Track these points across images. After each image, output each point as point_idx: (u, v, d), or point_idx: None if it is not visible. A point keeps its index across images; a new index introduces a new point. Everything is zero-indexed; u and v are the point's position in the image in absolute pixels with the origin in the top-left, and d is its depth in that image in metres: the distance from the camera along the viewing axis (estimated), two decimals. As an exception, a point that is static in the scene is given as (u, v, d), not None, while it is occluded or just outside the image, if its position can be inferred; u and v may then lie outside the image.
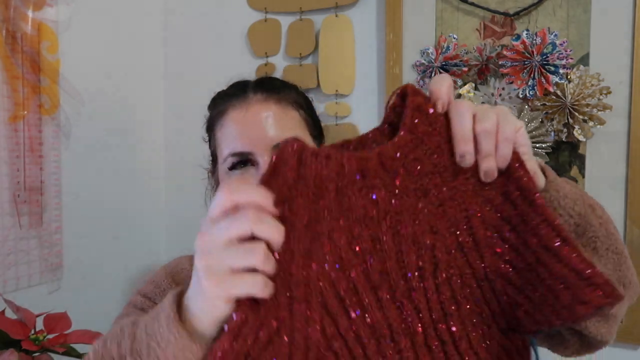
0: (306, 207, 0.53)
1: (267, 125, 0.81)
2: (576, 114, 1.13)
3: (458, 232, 0.57)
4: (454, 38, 1.25)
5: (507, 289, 0.56)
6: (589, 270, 0.51)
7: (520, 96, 1.17)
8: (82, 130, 1.36)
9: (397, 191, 0.56)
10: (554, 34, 1.14)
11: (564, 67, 1.13)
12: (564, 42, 1.14)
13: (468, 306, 0.56)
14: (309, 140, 0.83)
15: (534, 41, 1.15)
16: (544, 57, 1.14)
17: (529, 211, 0.54)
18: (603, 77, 1.11)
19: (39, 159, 1.27)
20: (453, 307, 0.56)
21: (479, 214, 0.56)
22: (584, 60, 1.14)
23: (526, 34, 1.16)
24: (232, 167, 0.81)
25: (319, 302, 0.53)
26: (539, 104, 1.16)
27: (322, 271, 0.54)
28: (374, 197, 0.55)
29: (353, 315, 0.54)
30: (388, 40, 1.29)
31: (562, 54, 1.13)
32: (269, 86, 0.84)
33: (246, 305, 0.49)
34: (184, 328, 0.51)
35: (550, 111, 1.15)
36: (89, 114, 1.37)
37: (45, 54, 1.25)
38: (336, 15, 1.37)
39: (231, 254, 0.48)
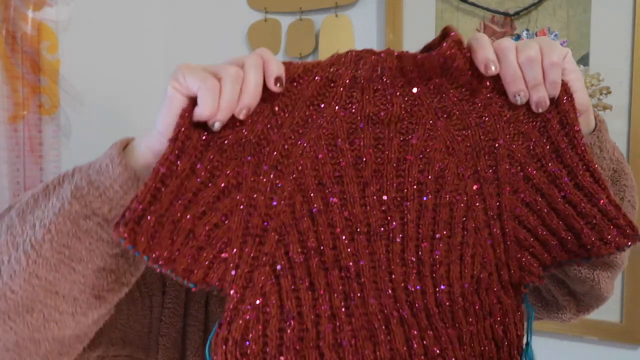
0: (315, 89, 0.53)
1: None
2: (576, 114, 1.13)
3: (479, 160, 0.55)
4: None
5: (518, 232, 0.54)
6: (617, 212, 0.51)
7: (520, 96, 1.17)
8: (82, 130, 1.36)
9: (415, 102, 0.54)
10: (554, 34, 1.14)
11: (564, 67, 1.13)
12: (564, 42, 1.14)
13: (463, 239, 0.54)
14: None
15: (534, 41, 1.15)
16: (544, 57, 1.14)
17: (566, 147, 0.52)
18: (603, 77, 1.11)
19: (39, 159, 1.27)
20: (445, 232, 0.53)
21: (507, 147, 0.54)
22: (584, 60, 1.14)
23: (526, 34, 1.16)
24: None
25: (294, 177, 0.52)
26: (539, 104, 1.16)
27: (310, 149, 0.52)
28: (387, 98, 0.54)
29: (332, 200, 0.52)
30: (388, 40, 1.29)
31: (562, 54, 1.13)
32: None
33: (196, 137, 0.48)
34: (131, 165, 0.50)
35: (550, 111, 1.15)
36: (89, 114, 1.37)
37: (45, 54, 1.25)
38: (336, 15, 1.37)
39: (217, 68, 0.49)
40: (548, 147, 0.53)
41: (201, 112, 0.48)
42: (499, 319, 0.54)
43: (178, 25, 1.62)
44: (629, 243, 0.51)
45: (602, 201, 0.51)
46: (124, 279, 0.53)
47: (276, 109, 0.52)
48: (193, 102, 0.49)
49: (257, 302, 0.49)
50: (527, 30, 1.16)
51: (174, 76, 0.49)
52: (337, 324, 0.51)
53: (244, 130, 0.51)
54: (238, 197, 0.50)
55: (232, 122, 0.50)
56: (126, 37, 1.49)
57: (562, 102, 0.53)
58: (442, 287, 0.53)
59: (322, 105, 0.53)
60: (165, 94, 0.50)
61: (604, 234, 0.51)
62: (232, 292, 0.49)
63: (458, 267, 0.53)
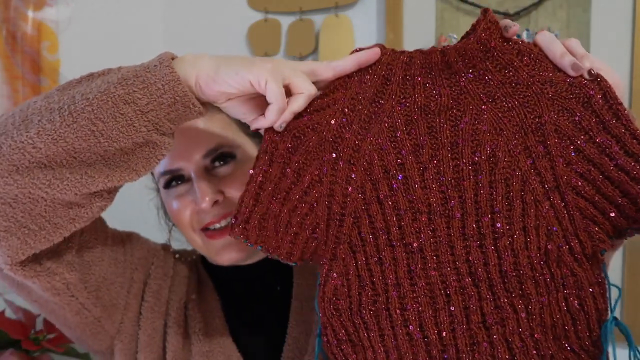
0: (375, 87, 0.62)
1: (190, 135, 0.76)
2: (576, 114, 1.13)
3: (527, 137, 0.58)
4: (454, 38, 1.25)
5: (578, 203, 0.57)
6: None
7: (520, 96, 1.17)
8: (82, 130, 1.36)
9: (460, 91, 0.60)
10: (554, 34, 1.14)
11: (564, 67, 1.13)
12: (564, 42, 1.14)
13: (523, 211, 0.57)
14: (243, 140, 0.80)
15: (534, 41, 1.15)
16: (544, 57, 1.14)
17: (612, 119, 0.56)
18: (603, 77, 1.11)
19: (39, 159, 1.27)
20: (504, 206, 0.58)
21: (553, 122, 0.58)
22: (584, 60, 1.14)
23: (526, 33, 1.16)
24: (167, 186, 0.78)
25: (364, 167, 0.61)
26: (539, 104, 1.16)
27: (375, 142, 0.61)
28: (436, 91, 0.61)
29: (395, 185, 0.60)
30: (388, 40, 1.29)
31: (562, 54, 1.13)
32: None
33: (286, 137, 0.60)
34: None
35: (550, 111, 1.15)
36: (89, 114, 1.37)
37: (45, 54, 1.25)
38: (336, 15, 1.37)
39: (293, 77, 0.59)
40: (594, 120, 0.57)
41: (263, 124, 0.60)
42: (574, 291, 0.56)
43: (178, 25, 1.62)
44: None
45: None
46: (134, 165, 0.61)
47: (346, 110, 0.61)
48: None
49: (341, 271, 0.60)
50: (527, 30, 1.16)
51: (258, 73, 0.57)
52: (402, 291, 0.59)
53: (324, 132, 0.61)
54: (321, 190, 0.61)
55: (316, 125, 0.61)
56: (126, 37, 1.49)
57: (602, 79, 0.57)
58: (506, 257, 0.57)
59: (382, 102, 0.61)
60: (242, 70, 0.57)
61: None
62: (322, 262, 0.61)
63: (522, 238, 0.57)
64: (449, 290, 0.58)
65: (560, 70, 0.59)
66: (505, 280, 0.57)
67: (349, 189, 0.60)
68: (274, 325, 0.81)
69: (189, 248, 0.92)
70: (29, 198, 0.59)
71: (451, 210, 0.58)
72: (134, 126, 0.57)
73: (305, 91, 0.59)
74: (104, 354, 0.80)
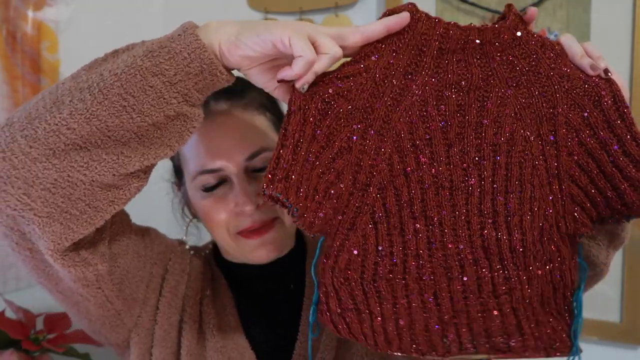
0: (409, 58, 0.62)
1: (234, 137, 0.76)
2: (576, 114, 1.13)
3: (541, 126, 0.62)
4: (555, 35, 1.25)
5: (572, 190, 0.61)
6: None
7: (520, 96, 1.17)
8: (82, 130, 1.36)
9: (490, 73, 0.63)
10: (554, 34, 1.14)
11: (564, 67, 1.13)
12: (564, 42, 1.14)
13: (532, 194, 0.61)
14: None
15: (534, 41, 1.15)
16: (544, 57, 1.14)
17: (617, 120, 0.60)
18: (603, 77, 1.11)
19: (39, 159, 1.27)
20: (517, 187, 0.61)
21: (565, 114, 0.62)
22: (584, 60, 1.14)
23: (526, 34, 1.16)
24: (207, 189, 0.77)
25: (393, 140, 0.61)
26: (539, 104, 1.16)
27: (406, 115, 0.62)
28: (467, 69, 0.62)
29: (422, 159, 0.61)
30: (388, 40, 1.29)
31: (562, 54, 1.13)
32: (231, 92, 0.75)
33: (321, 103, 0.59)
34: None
35: (550, 111, 1.15)
36: (89, 114, 1.37)
37: (45, 53, 1.25)
38: (336, 15, 1.37)
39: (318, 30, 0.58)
40: (601, 117, 0.61)
41: (288, 75, 0.57)
42: (557, 265, 0.62)
43: (178, 25, 1.62)
44: None
45: None
46: (168, 140, 0.61)
47: (377, 79, 0.61)
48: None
49: (358, 242, 0.61)
50: (527, 30, 1.16)
51: (281, 33, 0.56)
52: (420, 262, 0.61)
53: (355, 100, 0.61)
54: (349, 158, 0.61)
55: (346, 92, 0.61)
56: (126, 37, 1.49)
57: (614, 83, 0.61)
58: (516, 234, 0.60)
59: (415, 74, 0.62)
60: (263, 32, 0.56)
61: None
62: (337, 232, 0.61)
63: (530, 218, 0.61)
64: (464, 262, 0.61)
65: (577, 69, 0.63)
66: (514, 255, 0.60)
67: (377, 160, 0.61)
68: (286, 323, 0.82)
69: (199, 244, 0.93)
70: (68, 182, 0.58)
71: (471, 187, 0.61)
72: (164, 98, 0.57)
73: (331, 52, 0.57)
74: (120, 346, 0.81)
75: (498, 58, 0.63)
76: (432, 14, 1.31)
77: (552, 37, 1.14)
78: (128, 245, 0.74)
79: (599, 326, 1.13)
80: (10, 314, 1.07)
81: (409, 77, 0.62)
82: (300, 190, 0.58)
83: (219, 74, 0.58)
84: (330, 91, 0.60)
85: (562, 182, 0.62)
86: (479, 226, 0.61)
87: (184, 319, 0.81)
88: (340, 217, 0.61)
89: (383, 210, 0.61)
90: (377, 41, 0.62)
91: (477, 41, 0.62)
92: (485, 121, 0.61)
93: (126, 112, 0.56)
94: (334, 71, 0.61)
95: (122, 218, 0.74)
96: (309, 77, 0.57)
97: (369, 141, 0.61)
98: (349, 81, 0.61)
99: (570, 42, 0.63)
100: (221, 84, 0.60)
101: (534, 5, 1.18)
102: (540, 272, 0.61)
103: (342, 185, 0.61)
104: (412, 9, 0.62)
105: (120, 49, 0.63)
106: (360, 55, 0.62)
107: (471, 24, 0.64)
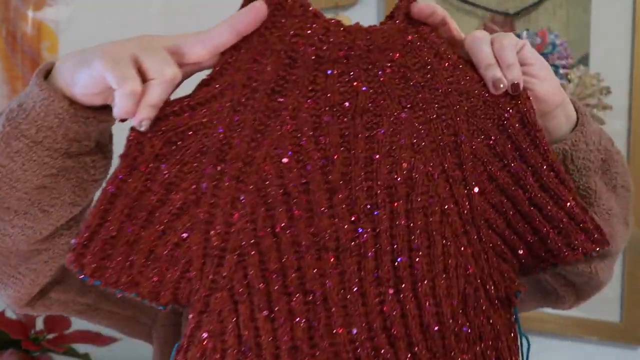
0: (276, 70, 0.47)
1: None
2: (576, 114, 1.13)
3: (445, 158, 0.49)
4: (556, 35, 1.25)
5: (492, 238, 0.49)
6: (584, 215, 0.48)
7: (520, 96, 1.17)
8: (82, 130, 1.36)
9: (380, 90, 0.49)
10: (554, 34, 1.14)
11: (564, 67, 1.13)
12: (564, 42, 1.14)
13: (445, 248, 0.47)
14: None
15: (534, 41, 1.15)
16: (544, 57, 1.14)
17: (529, 147, 0.49)
18: (603, 77, 1.11)
19: (39, 159, 1.27)
20: (423, 242, 0.47)
21: (469, 143, 0.49)
22: (584, 60, 1.14)
23: (526, 34, 1.16)
24: None
25: (257, 187, 0.46)
26: (539, 104, 1.16)
27: (273, 152, 0.46)
28: (351, 86, 0.48)
29: (297, 213, 0.46)
30: (388, 40, 1.29)
31: (562, 54, 1.13)
32: None
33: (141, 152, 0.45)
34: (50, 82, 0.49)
35: (550, 111, 1.15)
36: (89, 114, 1.37)
37: (45, 54, 1.25)
38: (336, 15, 1.37)
39: (143, 51, 0.46)
40: (509, 145, 0.49)
41: (116, 113, 0.46)
42: (490, 342, 0.48)
43: (178, 25, 1.62)
44: (597, 248, 0.48)
45: (568, 204, 0.48)
46: (66, 197, 0.53)
47: (236, 103, 0.47)
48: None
49: (214, 330, 0.44)
50: (527, 30, 1.16)
51: (97, 63, 0.46)
52: (299, 357, 0.45)
53: (207, 135, 0.46)
54: (197, 214, 0.45)
55: (198, 125, 0.46)
56: (126, 37, 1.49)
57: (522, 100, 0.49)
58: (428, 306, 0.46)
59: (285, 93, 0.47)
60: (85, 68, 0.48)
61: (570, 239, 0.48)
62: (190, 316, 0.45)
63: (445, 282, 0.47)
64: (360, 354, 0.45)
65: (481, 80, 0.50)
66: (427, 337, 0.46)
67: (235, 216, 0.45)
68: None
69: None
70: None
71: (363, 246, 0.46)
72: (34, 160, 0.49)
73: (157, 76, 0.45)
74: (147, 339, 0.79)
75: (389, 70, 0.49)
76: (432, 14, 1.27)
77: (552, 37, 1.14)
78: None
79: (599, 326, 1.12)
80: (10, 314, 1.07)
81: (277, 97, 0.47)
82: (115, 258, 0.44)
83: (82, 119, 0.49)
84: (178, 125, 0.46)
85: (480, 229, 0.48)
86: (377, 300, 0.46)
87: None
88: (194, 295, 0.45)
89: (245, 284, 0.45)
90: (234, 47, 0.47)
91: (364, 47, 0.48)
92: (377, 156, 0.47)
93: (5, 183, 0.50)
94: (186, 97, 0.47)
95: None
96: (145, 113, 0.45)
97: (224, 190, 0.46)
98: (202, 110, 0.47)
99: (474, 46, 0.51)
100: (98, 126, 0.50)
101: (534, 5, 1.18)
102: (467, 356, 0.47)
103: (190, 249, 0.45)
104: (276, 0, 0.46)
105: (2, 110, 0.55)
106: (216, 69, 0.48)
107: (395, 20, 0.51)
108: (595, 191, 0.56)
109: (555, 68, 1.14)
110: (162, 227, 0.45)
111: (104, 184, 0.47)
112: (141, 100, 0.45)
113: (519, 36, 1.16)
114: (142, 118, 0.45)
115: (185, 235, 0.45)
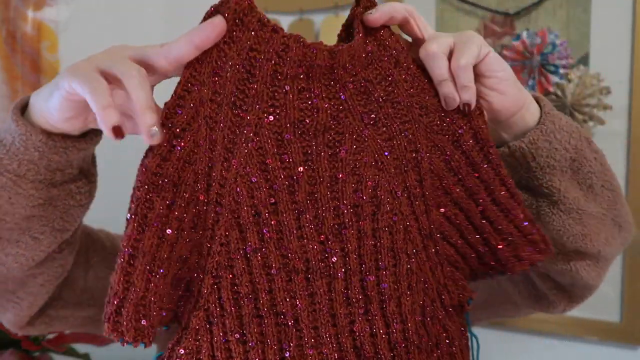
0: (236, 84, 0.46)
1: None
2: (576, 113, 1.13)
3: (407, 175, 0.50)
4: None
5: (446, 250, 0.51)
6: (532, 227, 0.51)
7: (520, 96, 1.17)
8: (82, 130, 1.36)
9: (341, 106, 0.48)
10: (554, 34, 1.14)
11: (564, 67, 1.13)
12: (564, 42, 1.14)
13: (409, 266, 0.48)
14: None
15: (534, 41, 1.15)
16: (544, 57, 1.14)
17: (482, 162, 0.50)
18: (603, 77, 1.11)
19: (39, 159, 1.27)
20: (389, 261, 0.48)
21: (428, 159, 0.51)
22: (584, 60, 1.14)
23: (526, 34, 1.16)
24: None
25: (231, 210, 0.46)
26: (539, 104, 1.16)
27: (243, 171, 0.46)
28: (312, 102, 0.47)
29: (267, 235, 0.46)
30: (388, 40, 1.29)
31: (562, 54, 1.13)
32: None
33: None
34: (27, 118, 0.49)
35: (550, 111, 1.15)
36: (89, 114, 1.37)
37: (45, 53, 1.25)
38: (336, 15, 1.37)
39: (105, 61, 0.45)
40: (464, 161, 0.51)
41: (103, 127, 0.44)
42: (445, 349, 0.50)
43: (178, 25, 1.62)
44: (542, 258, 0.51)
45: (518, 217, 0.50)
46: (55, 224, 0.54)
47: (209, 120, 0.46)
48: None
49: (191, 347, 0.46)
50: (527, 30, 1.16)
51: (65, 79, 0.45)
52: None
53: (196, 164, 0.46)
54: (194, 237, 0.46)
55: (191, 155, 0.45)
56: (126, 37, 1.49)
57: (474, 117, 0.50)
58: (396, 325, 0.47)
59: (245, 108, 0.46)
60: (55, 92, 0.47)
61: (518, 251, 0.51)
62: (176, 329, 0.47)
63: (409, 299, 0.48)
64: None
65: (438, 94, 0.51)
66: (395, 354, 0.47)
67: (214, 238, 0.46)
68: None
69: None
70: None
71: (333, 267, 0.47)
72: (20, 193, 0.50)
73: (128, 76, 0.44)
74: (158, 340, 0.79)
75: (351, 86, 0.49)
76: (432, 14, 1.29)
77: (552, 37, 1.14)
78: (110, 267, 0.72)
79: (599, 326, 1.12)
80: (10, 314, 1.07)
81: (239, 112, 0.46)
82: (150, 315, 0.44)
83: (61, 150, 0.49)
84: (173, 160, 0.45)
85: (437, 242, 0.51)
86: (347, 320, 0.47)
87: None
88: (180, 311, 0.48)
89: (218, 306, 0.46)
90: (197, 59, 0.46)
91: (327, 65, 0.47)
92: (341, 175, 0.48)
93: None
94: (167, 126, 0.45)
95: (103, 255, 0.67)
96: (148, 118, 0.43)
97: (207, 214, 0.46)
98: (187, 136, 0.45)
99: (427, 62, 0.50)
100: (79, 154, 0.51)
101: (534, 5, 1.18)
102: None
103: (189, 270, 0.47)
104: (240, 7, 0.45)
105: None
106: (182, 86, 0.46)
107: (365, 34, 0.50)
108: (560, 190, 0.56)
109: (555, 68, 1.14)
110: (176, 272, 0.46)
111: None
112: (133, 110, 0.44)
113: (519, 36, 1.16)
114: (148, 124, 0.44)
115: (187, 263, 0.47)
